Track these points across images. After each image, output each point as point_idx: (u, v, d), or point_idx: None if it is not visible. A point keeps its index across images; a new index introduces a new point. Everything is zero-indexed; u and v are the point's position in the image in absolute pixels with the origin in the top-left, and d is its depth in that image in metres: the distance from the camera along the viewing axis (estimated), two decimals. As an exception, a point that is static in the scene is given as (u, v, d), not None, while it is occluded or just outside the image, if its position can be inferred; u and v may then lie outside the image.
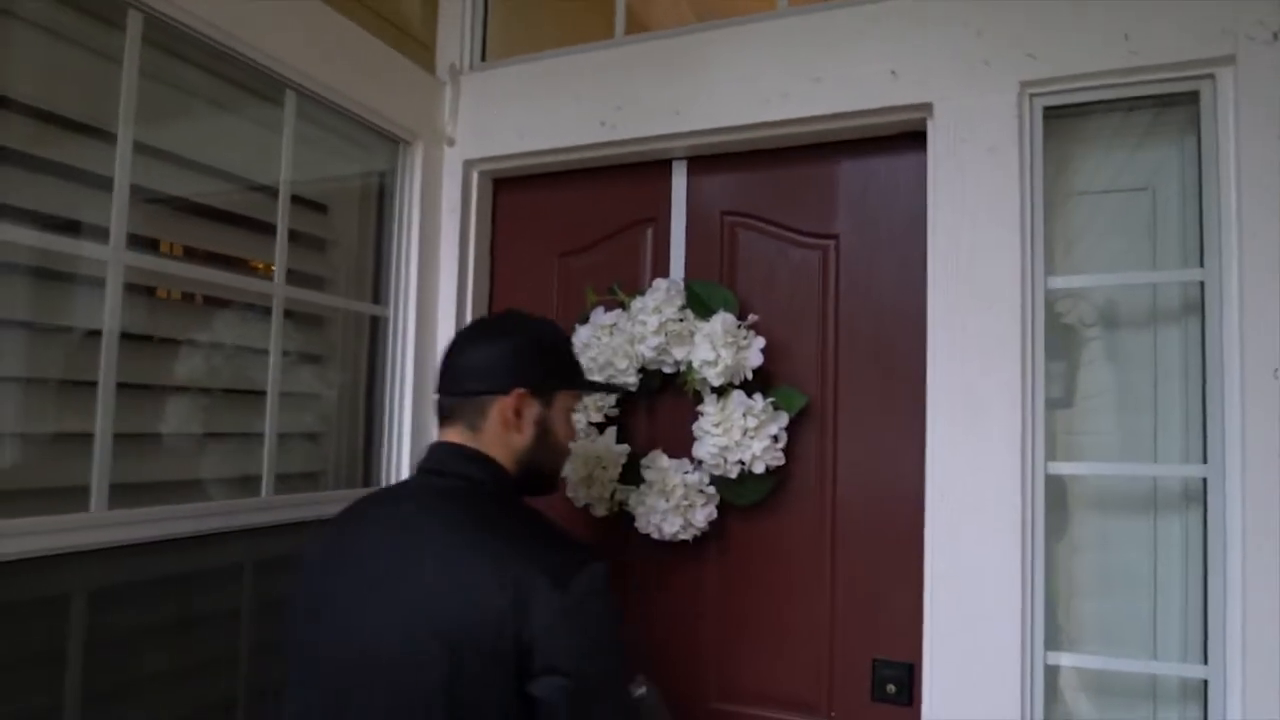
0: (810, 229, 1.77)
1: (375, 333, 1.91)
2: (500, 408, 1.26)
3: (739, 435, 1.63)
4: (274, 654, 1.58)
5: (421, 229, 1.92)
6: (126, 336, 1.37)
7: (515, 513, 1.23)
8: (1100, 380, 1.55)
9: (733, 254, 1.82)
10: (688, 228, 1.87)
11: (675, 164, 1.89)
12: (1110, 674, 1.51)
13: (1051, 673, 1.46)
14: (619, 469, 1.77)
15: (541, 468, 1.33)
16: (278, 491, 1.61)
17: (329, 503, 1.56)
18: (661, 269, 1.88)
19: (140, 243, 1.40)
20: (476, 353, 1.29)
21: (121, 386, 1.36)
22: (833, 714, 1.68)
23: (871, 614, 1.67)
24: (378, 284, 1.92)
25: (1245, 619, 1.32)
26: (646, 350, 1.70)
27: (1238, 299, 1.35)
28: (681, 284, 1.78)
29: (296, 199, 1.69)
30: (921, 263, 1.58)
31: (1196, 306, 1.45)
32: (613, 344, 1.74)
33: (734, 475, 1.66)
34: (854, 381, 1.71)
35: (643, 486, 1.73)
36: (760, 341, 1.67)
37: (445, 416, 1.30)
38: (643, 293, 1.76)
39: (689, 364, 1.69)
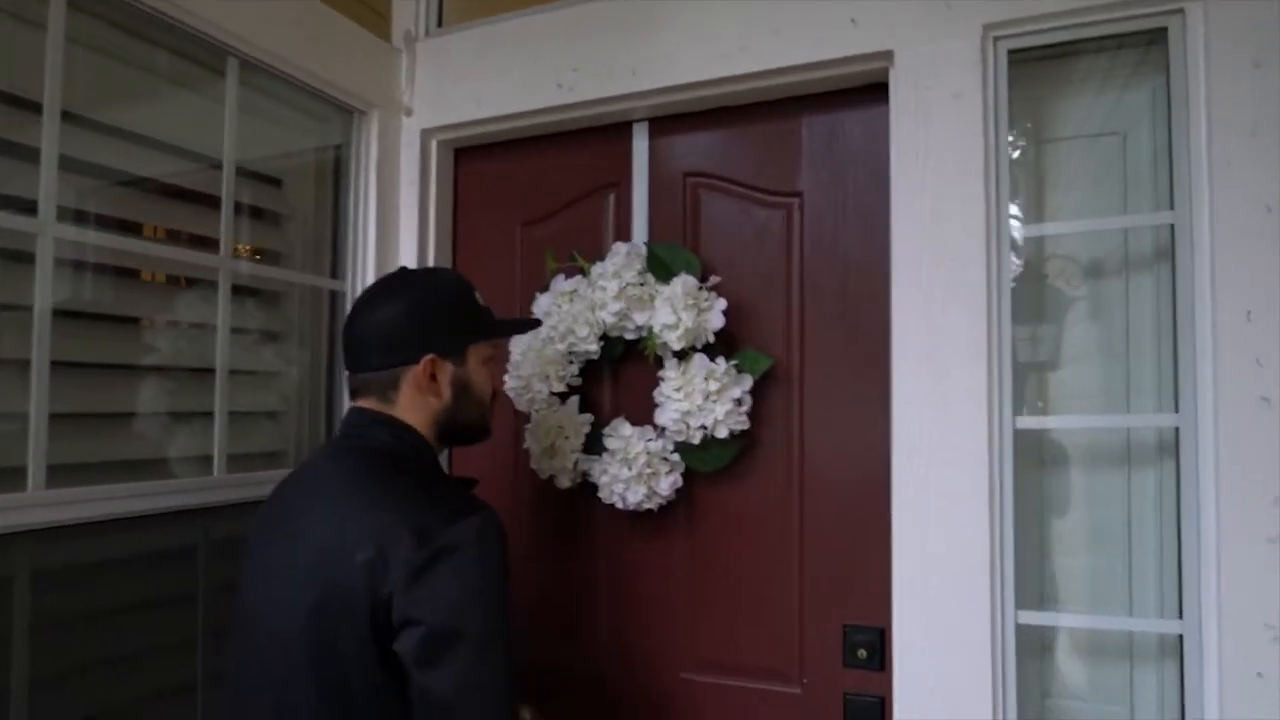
0: (774, 187, 1.72)
1: (335, 309, 1.86)
2: (412, 378, 1.24)
3: (701, 399, 1.58)
4: (222, 637, 1.55)
5: (379, 201, 1.87)
6: (74, 315, 1.34)
7: (412, 474, 1.21)
8: (1071, 332, 1.51)
9: (695, 216, 1.78)
10: (650, 191, 1.82)
11: (636, 126, 1.84)
12: (1087, 632, 1.48)
13: (1024, 632, 1.42)
14: (582, 439, 1.73)
15: (466, 421, 1.32)
16: (233, 471, 1.57)
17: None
18: (624, 234, 1.83)
19: (80, 218, 1.36)
20: (375, 322, 1.25)
21: (66, 365, 1.33)
22: (804, 680, 1.64)
23: (841, 579, 1.63)
24: (336, 258, 1.87)
25: (1219, 571, 1.28)
26: (607, 316, 1.66)
27: (1209, 240, 1.30)
28: (642, 248, 1.73)
29: (248, 173, 1.65)
30: (887, 218, 1.53)
31: (1168, 252, 1.40)
32: (573, 311, 1.69)
33: (697, 441, 1.61)
34: (820, 342, 1.67)
35: (605, 456, 1.69)
36: (722, 303, 1.62)
37: (356, 391, 1.28)
38: (604, 258, 1.72)
39: (650, 329, 1.64)
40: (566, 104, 1.77)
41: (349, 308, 1.82)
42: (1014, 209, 1.47)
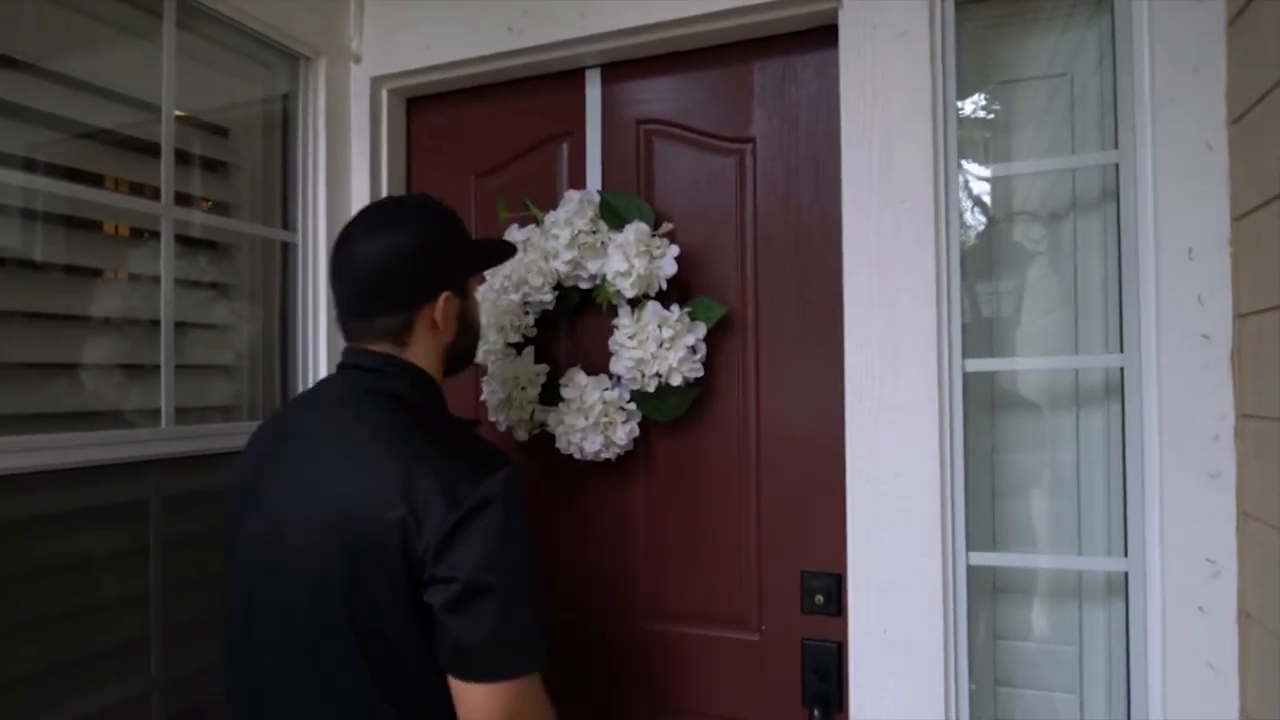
0: (726, 134, 1.70)
1: (286, 260, 1.84)
2: (427, 317, 1.22)
3: (654, 347, 1.57)
4: (174, 591, 1.55)
5: (329, 152, 1.83)
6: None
7: (431, 422, 1.19)
8: (1020, 274, 1.51)
9: (649, 164, 1.76)
10: (603, 139, 1.79)
11: (589, 73, 1.81)
12: (1036, 571, 1.50)
13: (975, 573, 1.44)
14: (538, 389, 1.72)
15: (462, 351, 1.32)
16: (181, 424, 1.55)
17: (240, 434, 1.50)
18: (578, 183, 1.81)
19: (12, 163, 1.33)
20: (380, 261, 1.18)
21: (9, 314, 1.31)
22: (763, 627, 1.66)
23: (798, 526, 1.64)
24: (286, 210, 1.84)
25: (1162, 508, 1.30)
26: (560, 265, 1.64)
27: (1151, 179, 1.30)
28: (595, 195, 1.71)
29: (193, 122, 1.61)
30: (839, 162, 1.51)
31: (1114, 193, 1.40)
32: (526, 261, 1.68)
33: (652, 389, 1.60)
34: (774, 289, 1.66)
35: (561, 405, 1.68)
36: (674, 250, 1.60)
37: (359, 335, 1.23)
38: (558, 208, 1.70)
39: (603, 277, 1.62)
40: (517, 49, 1.74)
41: (301, 259, 1.83)
42: (963, 150, 1.46)
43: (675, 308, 1.59)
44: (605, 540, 1.79)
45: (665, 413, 1.67)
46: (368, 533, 1.07)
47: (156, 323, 1.53)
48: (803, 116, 1.64)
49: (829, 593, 1.60)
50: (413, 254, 1.19)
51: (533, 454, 1.82)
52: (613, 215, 1.67)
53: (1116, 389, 1.41)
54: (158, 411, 1.52)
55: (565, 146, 1.84)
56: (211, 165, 1.70)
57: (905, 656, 1.42)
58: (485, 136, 1.92)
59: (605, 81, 1.80)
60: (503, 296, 1.73)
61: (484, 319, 1.71)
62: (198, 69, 1.62)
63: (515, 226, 1.75)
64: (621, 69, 1.79)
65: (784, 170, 1.66)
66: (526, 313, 1.75)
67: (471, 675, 1.07)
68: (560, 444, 1.69)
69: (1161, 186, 1.30)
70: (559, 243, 1.63)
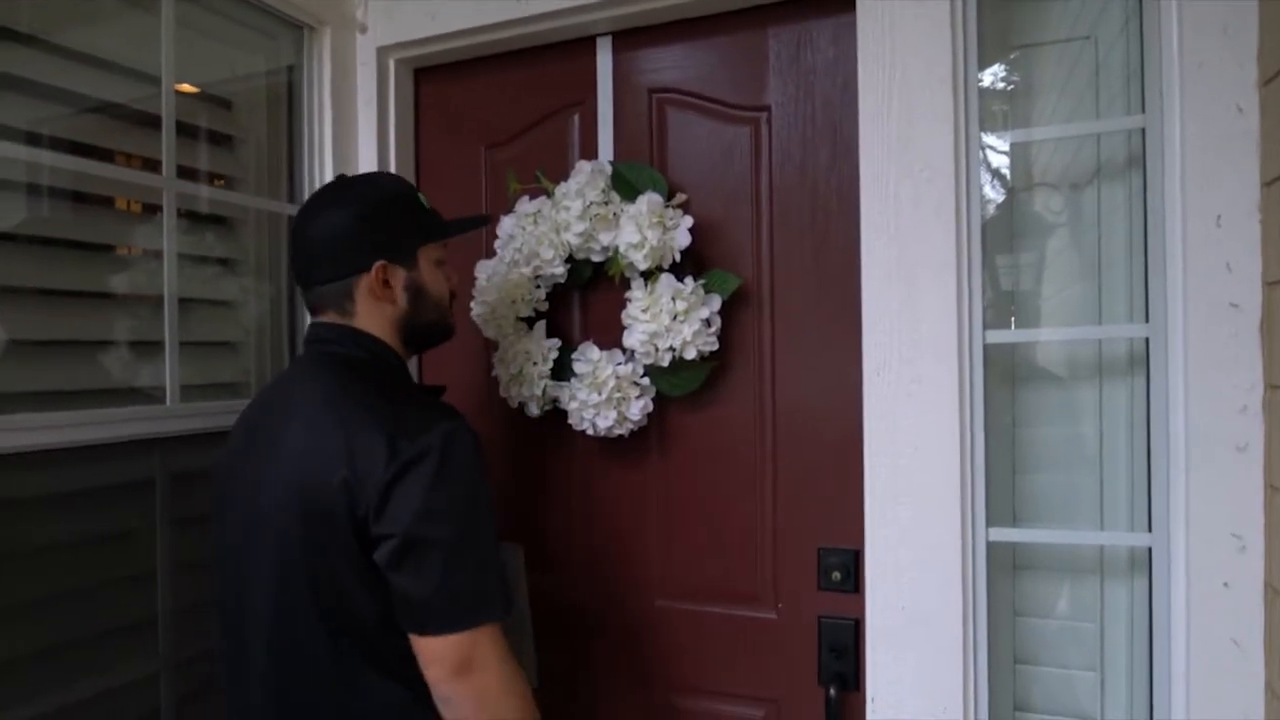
0: (741, 102, 1.66)
1: (293, 235, 1.81)
2: (365, 286, 1.23)
3: (668, 320, 1.53)
4: (180, 570, 1.54)
5: (335, 123, 1.80)
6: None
7: (380, 385, 1.20)
8: (1043, 243, 1.48)
9: (662, 134, 1.72)
10: (615, 109, 1.75)
11: (600, 41, 1.77)
12: (1058, 548, 1.47)
13: (995, 549, 1.41)
14: (550, 364, 1.69)
15: (426, 323, 1.31)
16: (187, 401, 1.53)
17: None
18: (590, 154, 1.77)
19: (14, 136, 1.31)
20: (320, 234, 1.23)
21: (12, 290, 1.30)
22: (779, 605, 1.64)
23: (815, 502, 1.61)
24: (292, 183, 1.81)
25: (1188, 481, 1.27)
26: (572, 237, 1.60)
27: (1179, 144, 1.26)
28: (607, 166, 1.67)
29: (195, 94, 1.59)
30: (856, 131, 1.48)
31: (1140, 160, 1.37)
32: (537, 233, 1.64)
33: (666, 363, 1.57)
34: (790, 261, 1.63)
35: (574, 381, 1.65)
36: (688, 221, 1.57)
37: (314, 308, 1.27)
38: (569, 179, 1.66)
39: (615, 249, 1.59)
40: (524, 16, 1.70)
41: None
42: (984, 118, 1.42)
43: (689, 280, 1.56)
44: (619, 517, 1.77)
45: (679, 387, 1.64)
46: (318, 498, 1.09)
47: (160, 299, 1.50)
48: (819, 84, 1.60)
49: (846, 569, 1.58)
50: (347, 226, 1.22)
51: (545, 431, 1.80)
52: (625, 186, 1.64)
53: (1141, 360, 1.38)
54: (162, 389, 1.50)
55: (576, 117, 1.79)
56: (215, 138, 1.66)
57: (924, 633, 1.40)
58: (495, 107, 1.88)
59: (616, 49, 1.76)
60: (513, 270, 1.69)
61: (494, 294, 1.70)
62: (199, 40, 1.59)
63: (526, 198, 1.71)
64: (633, 36, 1.74)
65: (800, 140, 1.62)
66: (538, 286, 1.72)
67: (422, 629, 1.08)
68: (573, 420, 1.67)
69: (1189, 151, 1.26)
70: (570, 214, 1.60)
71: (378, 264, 1.22)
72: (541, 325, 1.73)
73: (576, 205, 1.59)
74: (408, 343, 1.30)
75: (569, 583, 1.81)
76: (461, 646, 1.08)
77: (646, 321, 1.56)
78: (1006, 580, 1.48)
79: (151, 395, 1.49)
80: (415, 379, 1.68)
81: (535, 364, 1.69)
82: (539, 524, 1.84)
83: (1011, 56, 1.47)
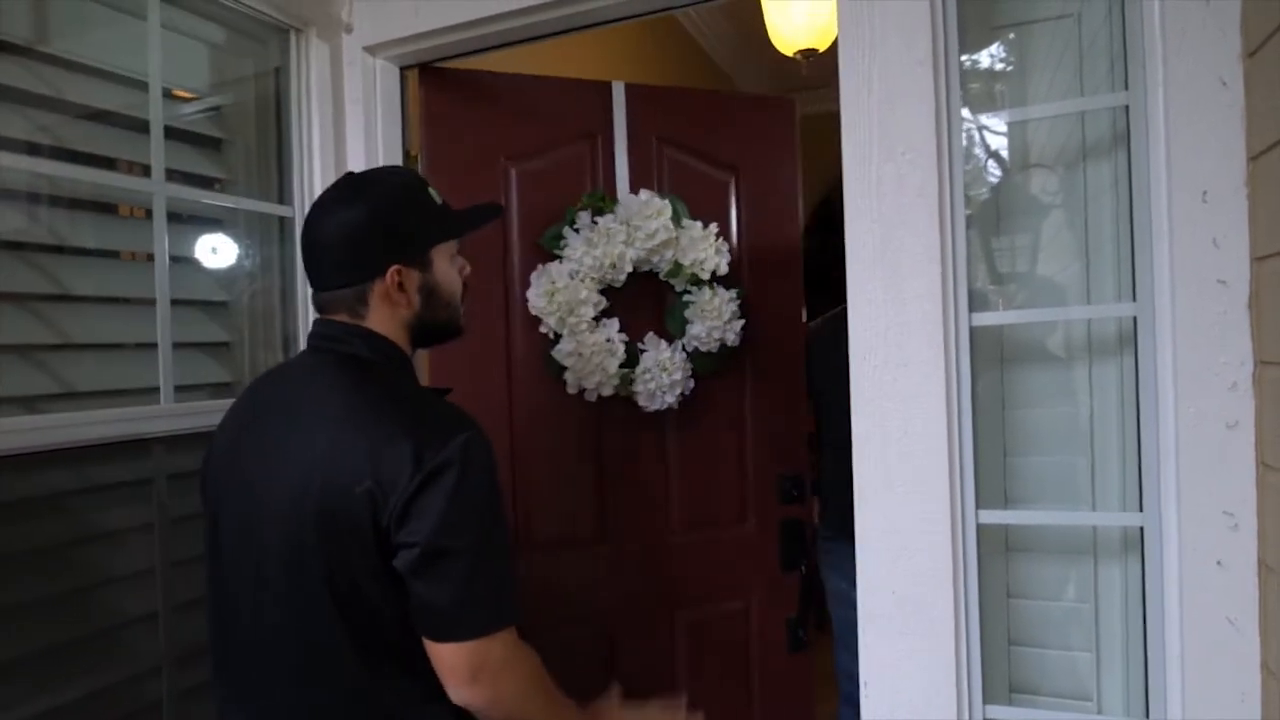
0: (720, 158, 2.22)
1: (284, 235, 1.82)
2: (380, 291, 1.22)
3: (727, 318, 2.09)
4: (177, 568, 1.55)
5: (322, 123, 1.81)
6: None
7: (394, 389, 1.20)
8: (1029, 224, 1.47)
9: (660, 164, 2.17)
10: (629, 144, 2.13)
11: (615, 85, 2.12)
12: (1050, 529, 1.46)
13: (986, 532, 1.41)
14: (623, 355, 2.03)
15: (437, 323, 1.30)
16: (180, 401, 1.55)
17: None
18: (610, 180, 2.12)
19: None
20: (334, 236, 1.21)
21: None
22: (753, 520, 2.24)
23: (774, 437, 2.27)
24: (282, 184, 1.82)
25: (1178, 460, 1.25)
26: (640, 251, 2.00)
27: (1163, 118, 1.25)
28: (665, 198, 2.06)
29: (183, 98, 1.61)
30: (796, 186, 1.96)
31: (1125, 137, 1.35)
32: (609, 249, 1.97)
33: (715, 350, 2.10)
34: (760, 280, 2.20)
35: (647, 367, 2.05)
36: (724, 244, 2.11)
37: (323, 307, 1.26)
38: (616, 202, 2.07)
39: (676, 262, 2.06)
40: (506, 11, 1.70)
41: (298, 233, 1.80)
42: (966, 99, 1.41)
43: (730, 290, 2.12)
44: (645, 474, 2.20)
45: (708, 369, 2.14)
46: (338, 504, 1.09)
47: (152, 301, 1.52)
48: (769, 153, 2.21)
49: (796, 487, 2.26)
50: (360, 230, 1.20)
51: (603, 411, 2.13)
52: (674, 214, 2.05)
53: (1130, 339, 1.36)
54: (156, 390, 1.51)
55: (595, 145, 2.11)
56: (203, 141, 1.68)
57: (916, 616, 1.39)
58: (513, 119, 2.05)
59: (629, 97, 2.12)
60: (588, 276, 2.00)
61: (568, 295, 1.97)
62: (186, 45, 1.61)
63: (587, 214, 2.01)
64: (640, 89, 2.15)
65: (760, 191, 2.20)
66: (600, 290, 2.02)
67: (441, 635, 1.10)
68: (644, 400, 2.07)
69: (1173, 126, 1.24)
70: (642, 232, 1.99)
71: (393, 269, 1.21)
72: (615, 322, 2.03)
73: (652, 224, 1.99)
74: (416, 341, 1.30)
75: (603, 524, 2.17)
76: (479, 652, 1.10)
77: (712, 319, 2.07)
78: (999, 562, 1.47)
79: (144, 396, 1.51)
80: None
81: (613, 355, 2.01)
82: (581, 487, 2.17)
83: (993, 36, 1.45)
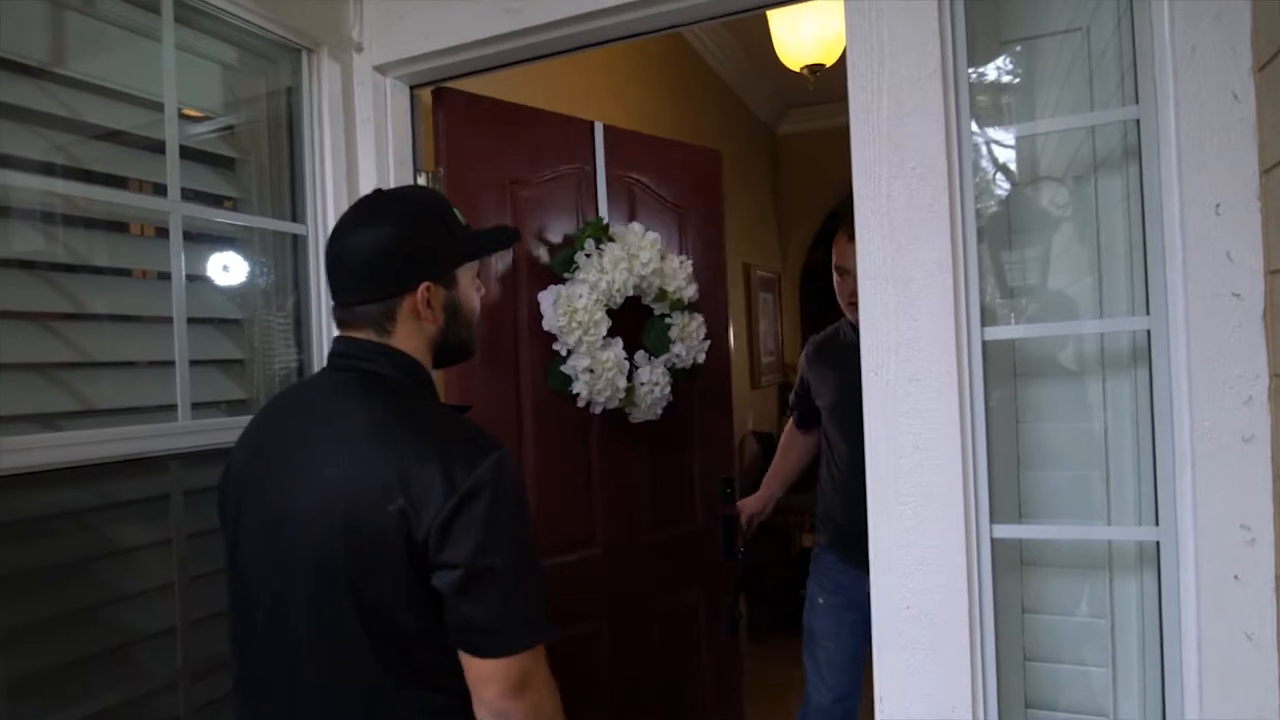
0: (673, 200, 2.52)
1: (297, 253, 1.83)
2: (408, 306, 1.23)
3: (700, 338, 2.39)
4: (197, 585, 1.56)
5: (334, 142, 1.82)
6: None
7: (420, 409, 1.21)
8: (1041, 239, 1.46)
9: (632, 199, 2.40)
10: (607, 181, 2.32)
11: (596, 125, 2.31)
12: (1065, 544, 1.46)
13: (1001, 546, 1.40)
14: (628, 370, 2.22)
15: (456, 341, 1.31)
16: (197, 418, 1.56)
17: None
18: (593, 209, 2.31)
19: (20, 165, 1.34)
20: (364, 253, 1.21)
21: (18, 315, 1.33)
22: (699, 517, 2.57)
23: (716, 450, 2.66)
24: (295, 202, 1.84)
25: (1194, 474, 1.25)
26: (638, 279, 2.18)
27: (1174, 132, 1.24)
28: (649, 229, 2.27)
29: (197, 118, 1.62)
30: (721, 229, 2.20)
31: (1136, 151, 1.34)
32: (617, 275, 2.13)
33: (689, 366, 2.37)
34: (707, 307, 2.48)
35: (643, 382, 2.25)
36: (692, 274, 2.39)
37: (346, 323, 1.26)
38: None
39: (661, 289, 2.27)
40: (516, 30, 1.72)
41: (312, 251, 1.83)
42: (976, 114, 1.41)
43: (698, 314, 2.40)
44: (625, 480, 2.39)
45: (681, 383, 2.38)
46: (368, 522, 1.09)
47: (168, 319, 1.53)
48: (704, 202, 2.59)
49: (730, 488, 2.62)
50: (392, 246, 1.21)
51: (600, 423, 2.29)
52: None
53: (1143, 353, 1.36)
54: (173, 407, 1.53)
55: (581, 176, 2.29)
56: (217, 160, 1.69)
57: (930, 632, 1.39)
58: (516, 145, 2.14)
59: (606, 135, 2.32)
60: (600, 298, 2.15)
61: (585, 315, 2.08)
62: (200, 65, 1.62)
63: (593, 242, 2.16)
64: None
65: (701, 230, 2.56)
66: (604, 311, 2.16)
67: (482, 651, 1.11)
68: (636, 414, 2.29)
69: (1185, 140, 1.24)
70: (639, 260, 2.18)
71: (424, 285, 1.22)
72: (619, 340, 2.19)
73: (646, 254, 2.19)
74: (436, 360, 1.31)
75: (594, 527, 2.33)
76: (517, 667, 1.12)
77: (690, 339, 2.35)
78: (1014, 577, 1.47)
79: (162, 413, 1.52)
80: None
81: (620, 371, 2.17)
82: (572, 492, 2.30)
83: (1003, 50, 1.45)
